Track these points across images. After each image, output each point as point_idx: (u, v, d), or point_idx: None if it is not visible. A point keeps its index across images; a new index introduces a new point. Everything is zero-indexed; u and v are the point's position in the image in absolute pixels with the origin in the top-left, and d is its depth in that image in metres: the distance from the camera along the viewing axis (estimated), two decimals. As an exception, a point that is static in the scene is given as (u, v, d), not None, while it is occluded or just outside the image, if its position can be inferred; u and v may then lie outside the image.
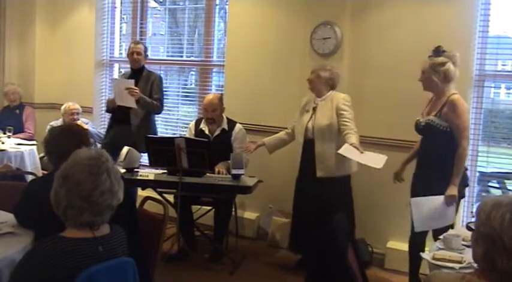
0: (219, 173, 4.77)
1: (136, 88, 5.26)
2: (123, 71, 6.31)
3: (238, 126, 5.05)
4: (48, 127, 6.04)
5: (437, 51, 3.84)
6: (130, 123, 5.40)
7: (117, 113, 5.45)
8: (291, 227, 4.79)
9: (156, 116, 5.82)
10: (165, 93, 5.98)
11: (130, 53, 5.55)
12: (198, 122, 5.14)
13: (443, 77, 3.80)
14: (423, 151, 3.99)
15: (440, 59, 3.80)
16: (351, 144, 4.19)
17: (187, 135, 5.06)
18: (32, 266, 1.89)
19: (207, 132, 5.00)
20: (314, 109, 4.54)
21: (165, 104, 5.69)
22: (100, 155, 2.06)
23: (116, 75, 6.64)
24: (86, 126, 5.96)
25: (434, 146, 3.86)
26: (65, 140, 2.77)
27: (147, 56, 5.67)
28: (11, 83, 6.72)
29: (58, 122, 5.96)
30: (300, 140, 4.58)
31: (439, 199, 3.73)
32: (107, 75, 6.73)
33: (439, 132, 3.79)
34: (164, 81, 6.60)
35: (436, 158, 3.83)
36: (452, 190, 3.71)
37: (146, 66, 5.63)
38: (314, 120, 4.50)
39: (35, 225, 2.58)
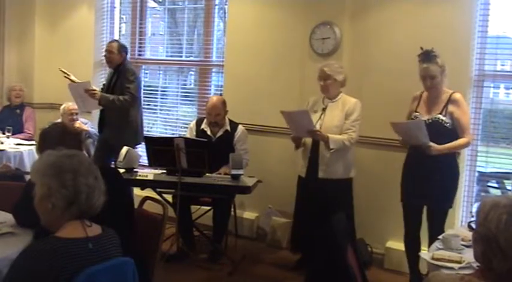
0: (225, 174, 4.77)
1: (94, 88, 5.23)
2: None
3: (240, 127, 5.05)
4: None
5: (430, 55, 3.95)
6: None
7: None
8: (292, 227, 4.79)
9: (155, 116, 5.80)
10: (164, 93, 5.98)
11: (105, 51, 5.52)
12: (199, 122, 5.12)
13: (444, 77, 4.00)
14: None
15: (442, 61, 3.96)
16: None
17: (187, 135, 5.06)
18: (27, 265, 1.88)
19: (208, 132, 4.99)
20: (323, 109, 4.53)
21: (164, 104, 5.67)
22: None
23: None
24: (85, 127, 5.97)
25: (437, 143, 3.91)
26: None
27: (125, 53, 5.53)
28: (18, 83, 6.72)
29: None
30: (308, 140, 4.58)
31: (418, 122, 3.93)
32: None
33: (445, 129, 3.92)
34: (163, 81, 6.60)
35: (439, 154, 3.90)
36: (435, 147, 3.86)
37: (145, 66, 5.60)
38: (323, 121, 4.48)
39: (35, 224, 2.57)
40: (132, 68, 5.54)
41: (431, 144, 3.87)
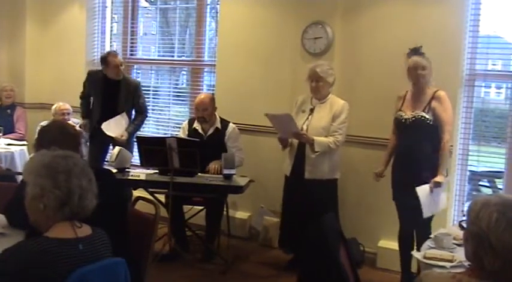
0: (214, 170, 4.76)
1: (120, 138, 5.26)
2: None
3: (231, 125, 5.05)
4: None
5: (419, 51, 4.09)
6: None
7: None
8: (280, 225, 4.81)
9: (148, 115, 5.79)
10: (156, 93, 5.96)
11: (115, 66, 5.33)
12: (191, 122, 5.12)
13: (429, 76, 4.09)
14: (408, 145, 4.10)
15: (428, 60, 4.07)
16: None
17: (180, 134, 5.06)
18: (13, 264, 1.87)
19: (200, 131, 4.99)
20: (311, 110, 4.55)
21: (156, 104, 5.64)
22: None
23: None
24: (77, 127, 5.94)
25: (421, 140, 4.02)
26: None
27: None
28: (9, 83, 6.68)
29: (49, 123, 5.92)
30: (295, 140, 4.57)
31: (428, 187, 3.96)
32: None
33: (427, 126, 4.00)
34: (155, 81, 6.62)
35: (423, 150, 4.00)
36: (440, 178, 3.94)
37: (137, 66, 5.60)
38: (310, 122, 4.50)
39: (27, 225, 2.56)
40: (139, 82, 5.64)
41: (434, 180, 3.92)
